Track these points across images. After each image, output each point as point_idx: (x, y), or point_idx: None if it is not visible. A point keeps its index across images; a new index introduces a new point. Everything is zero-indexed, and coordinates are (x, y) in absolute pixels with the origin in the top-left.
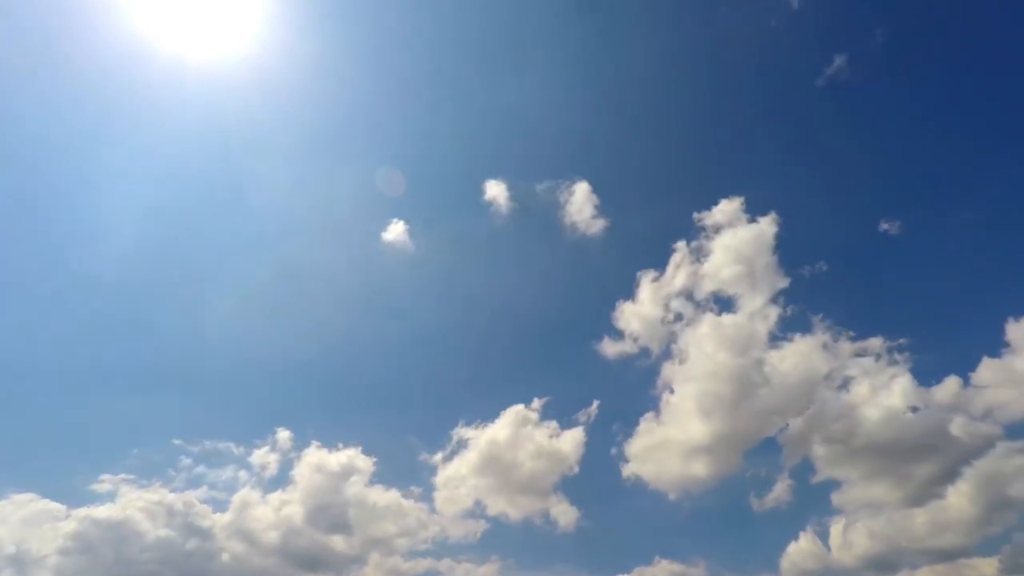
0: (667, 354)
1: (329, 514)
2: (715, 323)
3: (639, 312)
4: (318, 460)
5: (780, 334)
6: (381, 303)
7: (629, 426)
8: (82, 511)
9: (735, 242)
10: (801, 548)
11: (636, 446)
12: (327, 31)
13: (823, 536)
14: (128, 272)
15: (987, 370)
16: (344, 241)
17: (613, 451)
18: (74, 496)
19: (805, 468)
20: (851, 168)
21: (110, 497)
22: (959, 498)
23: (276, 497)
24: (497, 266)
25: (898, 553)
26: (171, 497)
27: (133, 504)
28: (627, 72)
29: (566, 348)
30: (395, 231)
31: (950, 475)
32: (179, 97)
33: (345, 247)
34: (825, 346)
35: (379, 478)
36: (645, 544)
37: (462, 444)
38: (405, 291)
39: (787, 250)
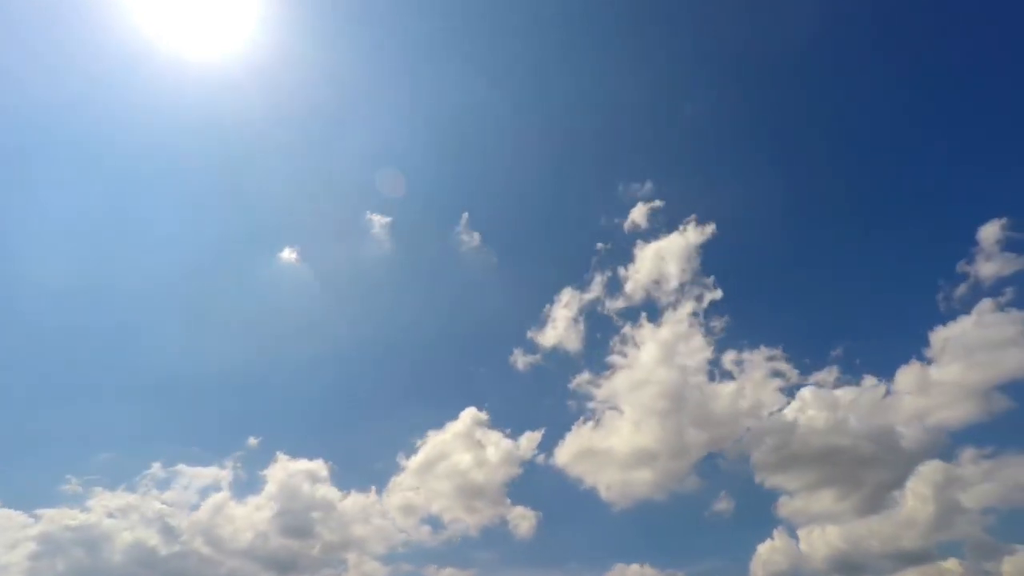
0: (600, 364)
1: (297, 519)
2: (645, 334)
3: (561, 322)
4: (284, 468)
5: (712, 345)
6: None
7: (561, 435)
8: (50, 514)
9: (658, 251)
10: (762, 554)
11: (570, 454)
12: (326, 31)
13: (779, 544)
14: (115, 277)
15: (914, 377)
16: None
17: (553, 460)
18: (40, 501)
19: (750, 479)
20: (777, 177)
21: (77, 501)
22: (908, 504)
23: (248, 503)
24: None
25: (861, 558)
26: (141, 501)
27: (102, 508)
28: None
29: (502, 359)
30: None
31: (894, 482)
32: (178, 97)
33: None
34: (756, 359)
35: (342, 485)
36: (601, 550)
37: (415, 452)
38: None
39: (714, 260)
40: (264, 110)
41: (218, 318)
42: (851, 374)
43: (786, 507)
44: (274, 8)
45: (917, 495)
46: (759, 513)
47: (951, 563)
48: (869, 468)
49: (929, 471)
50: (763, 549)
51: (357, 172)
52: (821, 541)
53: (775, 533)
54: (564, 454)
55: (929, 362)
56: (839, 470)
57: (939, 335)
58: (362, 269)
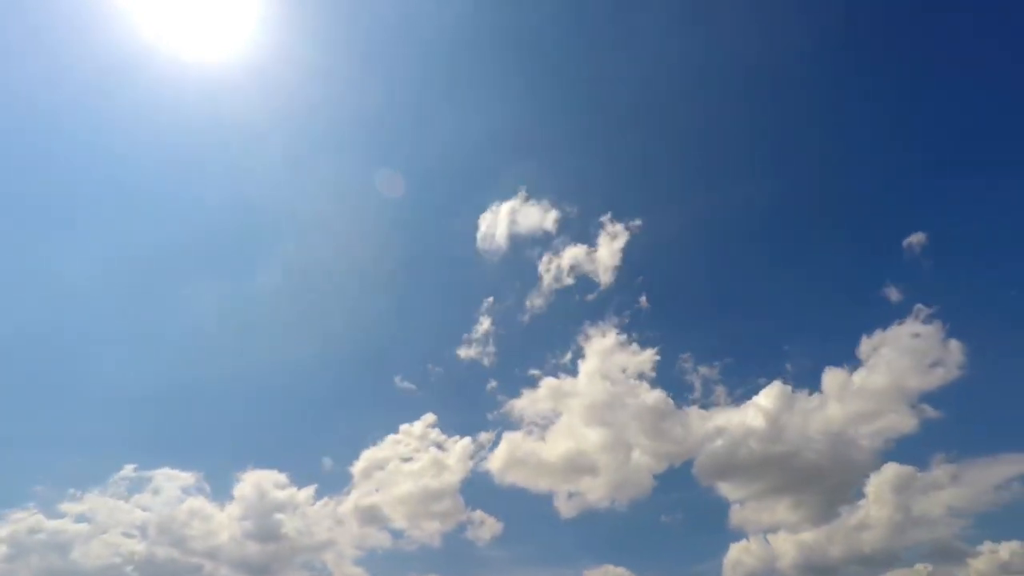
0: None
1: (264, 526)
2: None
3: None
4: (249, 477)
5: (647, 354)
6: None
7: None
8: (17, 517)
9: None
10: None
11: (509, 461)
12: (326, 32)
13: (736, 555)
14: (115, 277)
15: (846, 384)
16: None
17: (497, 467)
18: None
19: (699, 488)
20: (704, 181)
21: (46, 506)
22: (864, 512)
23: (220, 511)
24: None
25: (824, 564)
26: (110, 505)
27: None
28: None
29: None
30: None
31: (847, 491)
32: (178, 97)
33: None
34: (692, 367)
35: (305, 493)
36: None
37: (370, 461)
38: None
39: (641, 268)
40: (264, 111)
41: (213, 322)
42: (788, 381)
43: (740, 515)
44: (273, 9)
45: (876, 500)
46: (711, 522)
47: (919, 568)
48: (820, 475)
49: (884, 477)
50: (726, 559)
51: (357, 173)
52: (783, 548)
53: (730, 542)
54: (505, 461)
55: (857, 369)
56: (791, 477)
57: (871, 343)
58: (350, 268)
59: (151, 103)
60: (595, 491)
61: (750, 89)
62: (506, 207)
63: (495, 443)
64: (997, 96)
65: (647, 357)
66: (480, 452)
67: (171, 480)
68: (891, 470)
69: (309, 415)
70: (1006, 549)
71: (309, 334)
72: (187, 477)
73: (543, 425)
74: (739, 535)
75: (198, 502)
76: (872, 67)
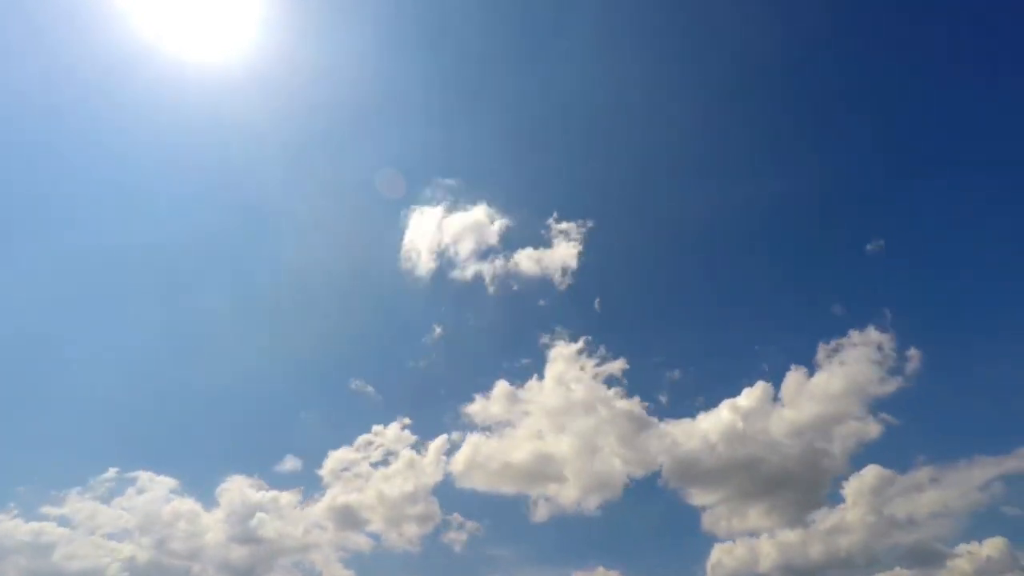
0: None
1: (246, 528)
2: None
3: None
4: (232, 481)
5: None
6: None
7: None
8: None
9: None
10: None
11: (470, 463)
12: (328, 33)
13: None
14: (112, 279)
15: (804, 389)
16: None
17: (458, 469)
18: None
19: (676, 497)
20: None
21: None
22: (839, 516)
23: (202, 514)
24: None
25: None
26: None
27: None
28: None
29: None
30: None
31: (817, 496)
32: (179, 99)
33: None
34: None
35: (288, 498)
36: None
37: (341, 463)
38: None
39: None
40: (265, 112)
41: (202, 324)
42: (752, 386)
43: (711, 521)
44: (275, 10)
45: (854, 504)
46: (681, 528)
47: (898, 571)
48: (789, 479)
49: (862, 481)
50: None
51: (359, 174)
52: (758, 554)
53: (702, 547)
54: (470, 465)
55: (819, 373)
56: (760, 482)
57: (829, 349)
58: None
59: (151, 103)
60: (565, 495)
61: (711, 90)
62: (460, 213)
63: (458, 447)
64: (957, 101)
65: (610, 362)
66: (447, 456)
67: (152, 483)
68: (870, 473)
69: (285, 419)
70: (982, 551)
71: (284, 339)
72: (167, 481)
73: (506, 430)
74: (710, 540)
75: (180, 505)
76: (830, 71)
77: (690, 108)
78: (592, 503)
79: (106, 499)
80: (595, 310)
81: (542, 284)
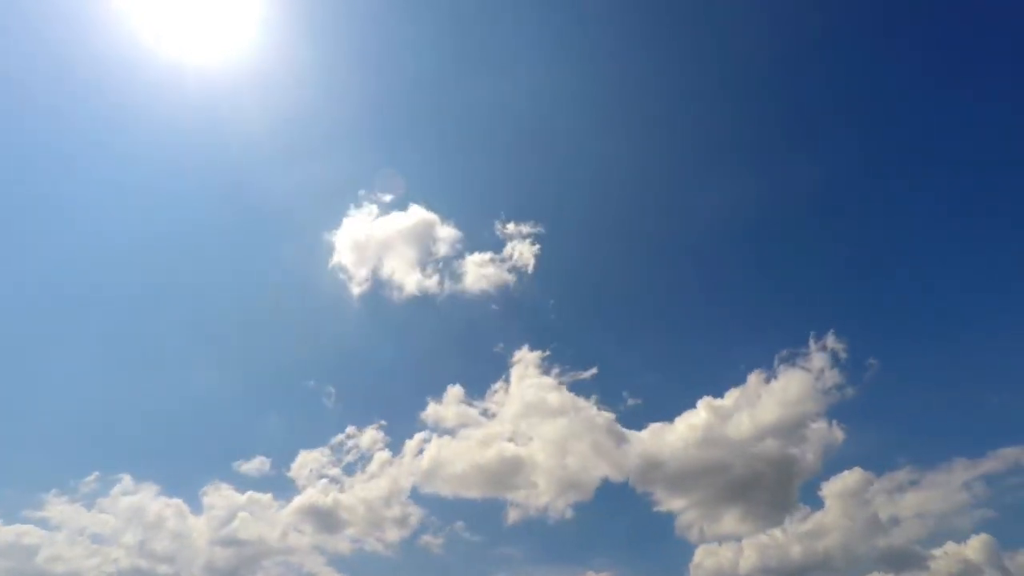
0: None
1: (229, 532)
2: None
3: None
4: (213, 486)
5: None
6: None
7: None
8: None
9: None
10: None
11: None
12: (325, 36)
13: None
14: (110, 280)
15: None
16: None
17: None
18: None
19: (640, 499)
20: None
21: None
22: (817, 519)
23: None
24: None
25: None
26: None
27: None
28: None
29: None
30: None
31: (790, 499)
32: (178, 101)
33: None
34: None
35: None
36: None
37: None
38: None
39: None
40: (264, 114)
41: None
42: (714, 393)
43: (682, 527)
44: (274, 12)
45: (831, 507)
46: (652, 534)
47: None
48: (759, 484)
49: (837, 485)
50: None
51: (357, 175)
52: (732, 557)
53: (676, 552)
54: (434, 469)
55: (777, 380)
56: (730, 487)
57: (789, 355)
58: None
59: (151, 105)
60: (536, 500)
61: (668, 93)
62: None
63: (420, 451)
64: (906, 108)
65: (572, 368)
66: (410, 461)
67: (133, 487)
68: (849, 476)
69: (257, 423)
70: (962, 552)
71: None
72: (149, 486)
73: (473, 435)
74: (685, 545)
75: (162, 508)
76: (773, 77)
77: (649, 110)
78: (563, 507)
79: (89, 502)
80: (554, 315)
81: (498, 290)
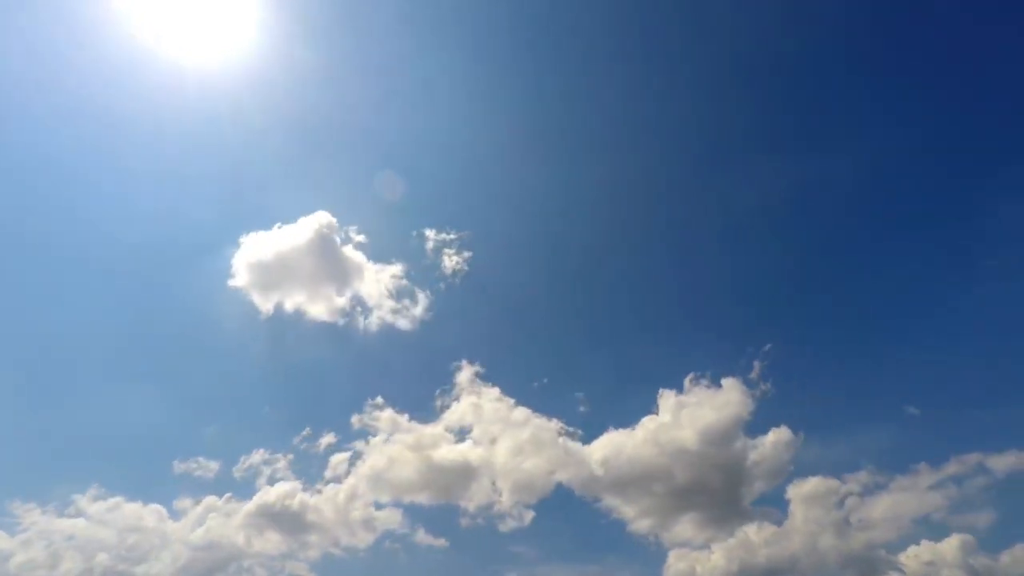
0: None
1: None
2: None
3: None
4: (185, 492)
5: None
6: None
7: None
8: None
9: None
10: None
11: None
12: (326, 37)
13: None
14: (111, 281)
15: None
16: None
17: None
18: None
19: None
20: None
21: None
22: (779, 526)
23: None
24: None
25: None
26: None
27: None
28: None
29: None
30: None
31: (744, 506)
32: (178, 103)
33: None
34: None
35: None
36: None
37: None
38: None
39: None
40: (264, 115)
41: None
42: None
43: (636, 534)
44: (273, 13)
45: (794, 513)
46: (605, 541)
47: None
48: (712, 491)
49: (799, 490)
50: None
51: (357, 176)
52: (685, 566)
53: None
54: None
55: (719, 387)
56: (683, 493)
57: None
58: None
59: (150, 106)
60: (489, 507)
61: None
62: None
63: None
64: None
65: (518, 381)
66: (350, 466)
67: (102, 494)
68: (810, 482)
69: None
70: (927, 556)
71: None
72: (118, 494)
73: (425, 441)
74: (642, 552)
75: (133, 515)
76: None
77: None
78: (514, 515)
79: (60, 510)
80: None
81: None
